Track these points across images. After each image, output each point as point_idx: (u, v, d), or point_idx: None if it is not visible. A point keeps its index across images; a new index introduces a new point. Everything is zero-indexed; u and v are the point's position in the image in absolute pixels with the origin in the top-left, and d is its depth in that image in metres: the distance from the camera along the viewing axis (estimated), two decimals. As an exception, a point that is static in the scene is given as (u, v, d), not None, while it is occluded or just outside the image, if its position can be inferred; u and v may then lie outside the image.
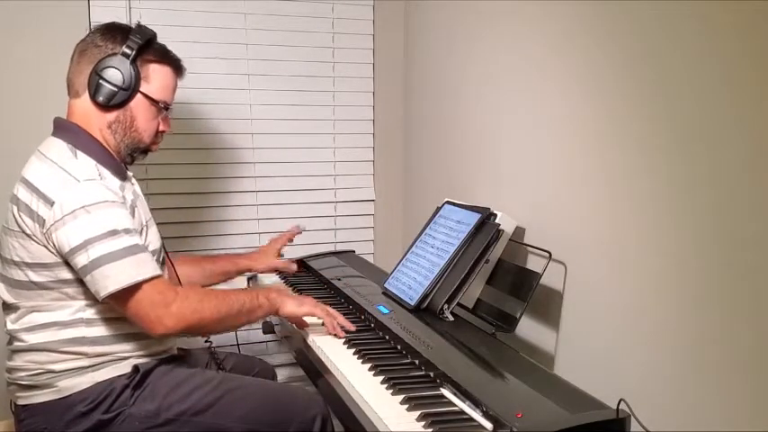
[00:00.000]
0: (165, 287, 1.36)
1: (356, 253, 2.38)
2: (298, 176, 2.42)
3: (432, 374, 1.31)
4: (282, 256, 2.01)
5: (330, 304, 1.71)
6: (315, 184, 2.45)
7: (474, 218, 1.68)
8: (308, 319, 1.60)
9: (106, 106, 1.42)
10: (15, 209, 1.35)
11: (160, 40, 1.51)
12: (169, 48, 1.52)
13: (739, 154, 1.12)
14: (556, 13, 1.58)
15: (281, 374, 1.96)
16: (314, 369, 1.50)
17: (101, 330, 1.38)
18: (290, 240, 2.04)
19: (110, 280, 1.29)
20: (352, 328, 1.57)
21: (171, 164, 2.20)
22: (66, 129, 1.43)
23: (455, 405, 1.19)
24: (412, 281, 1.72)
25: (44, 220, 1.30)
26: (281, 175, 2.39)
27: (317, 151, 2.44)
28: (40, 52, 2.02)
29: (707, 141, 1.18)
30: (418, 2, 2.35)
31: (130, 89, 1.42)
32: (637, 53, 1.34)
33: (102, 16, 2.08)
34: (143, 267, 1.32)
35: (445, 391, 1.24)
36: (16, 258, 1.35)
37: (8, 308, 1.40)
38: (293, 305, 1.53)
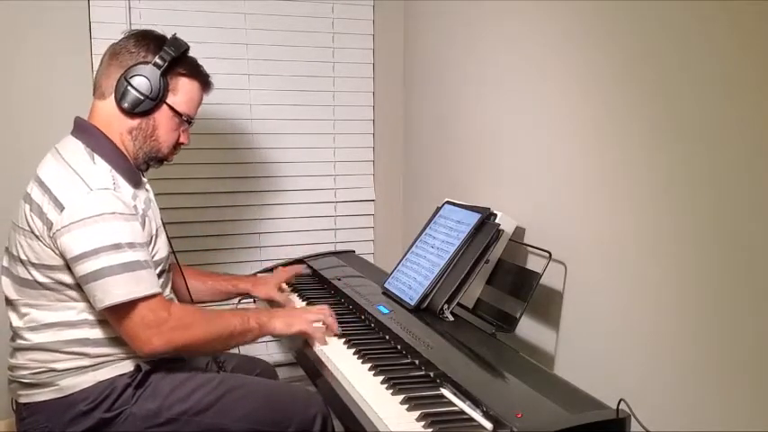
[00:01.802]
0: (159, 307, 1.35)
1: (356, 253, 2.38)
2: (298, 176, 2.42)
3: (432, 374, 1.31)
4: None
5: (330, 304, 1.71)
6: (315, 184, 2.45)
7: (474, 218, 1.68)
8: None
9: (130, 112, 1.42)
10: (27, 208, 1.35)
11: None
12: (200, 62, 1.53)
13: (739, 154, 1.12)
14: (556, 13, 1.58)
15: (281, 374, 1.96)
16: (314, 369, 1.50)
17: (104, 332, 1.38)
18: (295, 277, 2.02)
19: (107, 294, 1.29)
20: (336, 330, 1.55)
21: (171, 164, 2.19)
22: (85, 130, 1.43)
23: (455, 405, 1.19)
24: (412, 281, 1.73)
25: (52, 224, 1.30)
26: (281, 175, 2.39)
27: (317, 151, 2.44)
28: (41, 52, 2.03)
29: (707, 141, 1.18)
30: (418, 2, 2.35)
31: (157, 99, 1.43)
32: (637, 53, 1.34)
33: (102, 16, 2.09)
34: (140, 285, 1.32)
35: (445, 391, 1.24)
36: (23, 257, 1.36)
37: (12, 304, 1.41)
38: (283, 327, 1.50)
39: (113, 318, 1.34)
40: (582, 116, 1.51)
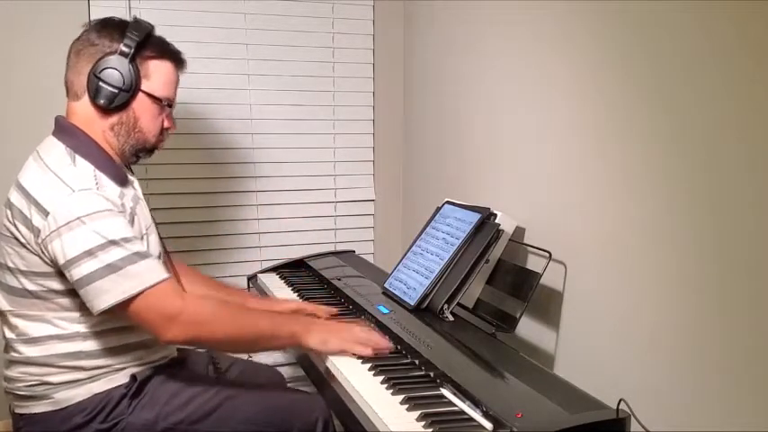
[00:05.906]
0: (171, 292, 1.30)
1: (356, 253, 2.38)
2: (298, 176, 2.42)
3: (432, 374, 1.31)
4: None
5: (330, 304, 1.72)
6: (315, 184, 2.45)
7: (474, 218, 1.68)
8: None
9: (107, 109, 1.36)
10: (9, 214, 1.30)
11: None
12: (167, 40, 1.45)
13: (739, 154, 1.12)
14: (556, 14, 1.58)
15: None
16: (314, 369, 1.50)
17: (98, 344, 1.34)
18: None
19: (107, 294, 1.24)
20: (389, 346, 1.44)
21: (171, 164, 2.20)
22: (66, 131, 1.37)
23: (455, 405, 1.19)
24: (412, 281, 1.72)
25: (39, 231, 1.25)
26: (281, 175, 2.39)
27: (317, 151, 2.44)
28: (40, 52, 2.02)
29: (707, 142, 1.18)
30: (418, 2, 2.35)
31: (131, 89, 1.36)
32: (637, 53, 1.34)
33: (101, 16, 2.07)
34: (144, 276, 1.26)
35: (445, 391, 1.24)
36: (11, 265, 1.32)
37: (3, 315, 1.36)
38: (317, 342, 1.40)
39: (124, 314, 1.28)
40: (582, 116, 1.51)
